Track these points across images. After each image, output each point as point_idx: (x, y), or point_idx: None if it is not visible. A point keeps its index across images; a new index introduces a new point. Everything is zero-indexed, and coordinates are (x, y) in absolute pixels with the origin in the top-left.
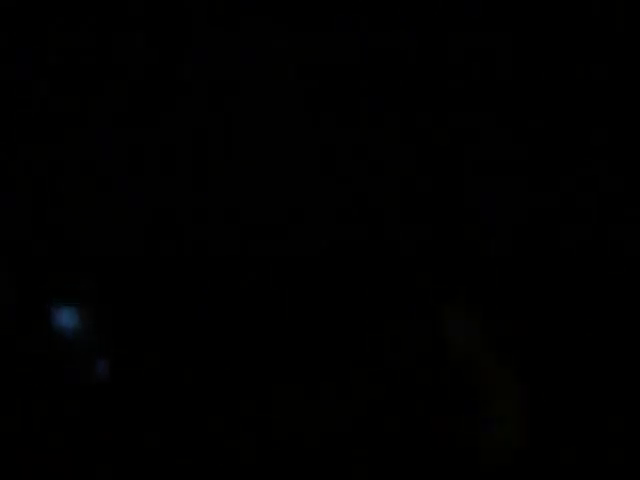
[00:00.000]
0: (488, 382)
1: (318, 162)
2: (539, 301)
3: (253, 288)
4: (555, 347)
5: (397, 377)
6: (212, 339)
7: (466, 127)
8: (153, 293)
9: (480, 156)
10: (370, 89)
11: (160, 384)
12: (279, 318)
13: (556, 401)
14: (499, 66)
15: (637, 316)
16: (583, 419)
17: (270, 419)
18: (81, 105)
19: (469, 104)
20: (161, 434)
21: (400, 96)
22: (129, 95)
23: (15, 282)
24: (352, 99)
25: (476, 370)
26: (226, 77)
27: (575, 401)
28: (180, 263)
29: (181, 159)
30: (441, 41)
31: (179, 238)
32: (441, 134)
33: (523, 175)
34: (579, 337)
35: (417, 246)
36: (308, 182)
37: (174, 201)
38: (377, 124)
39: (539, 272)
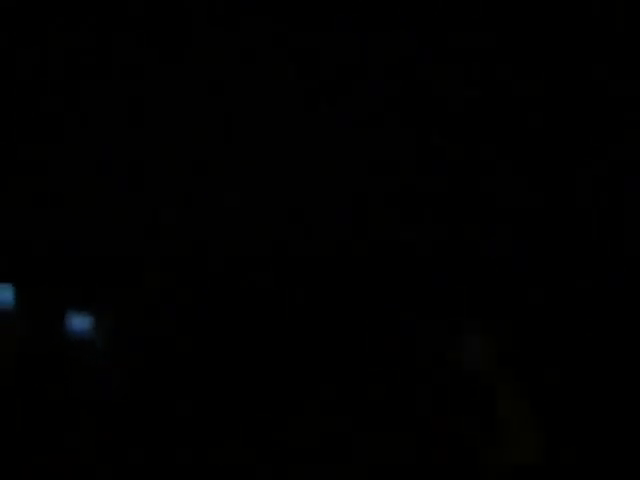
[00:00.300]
0: (503, 399)
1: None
2: (555, 320)
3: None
4: (569, 365)
5: (413, 391)
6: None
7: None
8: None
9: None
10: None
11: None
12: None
13: (570, 418)
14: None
15: None
16: (596, 436)
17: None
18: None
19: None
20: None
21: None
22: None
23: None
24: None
25: (492, 387)
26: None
27: (589, 418)
28: (206, 279)
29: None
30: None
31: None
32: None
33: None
34: (593, 356)
35: (435, 267)
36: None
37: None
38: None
39: (555, 292)
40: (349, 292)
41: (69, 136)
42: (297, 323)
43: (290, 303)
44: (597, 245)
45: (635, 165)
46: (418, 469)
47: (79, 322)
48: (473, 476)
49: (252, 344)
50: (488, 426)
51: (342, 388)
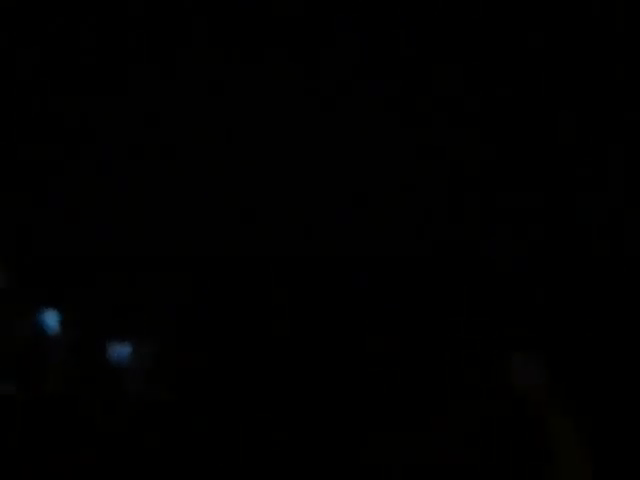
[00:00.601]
0: (554, 431)
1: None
2: (606, 354)
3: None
4: (617, 397)
5: (466, 425)
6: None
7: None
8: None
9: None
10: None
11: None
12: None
13: (619, 449)
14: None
15: None
16: None
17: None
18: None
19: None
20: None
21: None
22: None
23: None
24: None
25: (543, 419)
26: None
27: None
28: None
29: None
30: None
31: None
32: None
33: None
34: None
35: (485, 299)
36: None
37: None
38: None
39: (602, 323)
40: (397, 309)
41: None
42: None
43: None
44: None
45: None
46: None
47: (118, 349)
48: None
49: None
50: (536, 457)
51: (383, 409)
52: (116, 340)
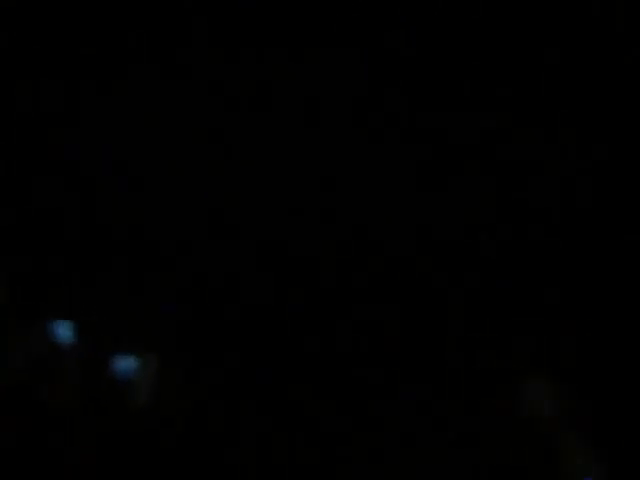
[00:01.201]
0: (568, 458)
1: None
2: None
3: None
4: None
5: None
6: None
7: None
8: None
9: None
10: None
11: None
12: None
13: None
14: None
15: None
16: None
17: None
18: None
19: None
20: None
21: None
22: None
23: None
24: None
25: (556, 446)
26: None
27: None
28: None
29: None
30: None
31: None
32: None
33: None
34: None
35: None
36: None
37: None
38: None
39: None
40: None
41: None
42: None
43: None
44: None
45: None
46: None
47: (125, 363)
48: None
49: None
50: (548, 475)
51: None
52: (122, 352)
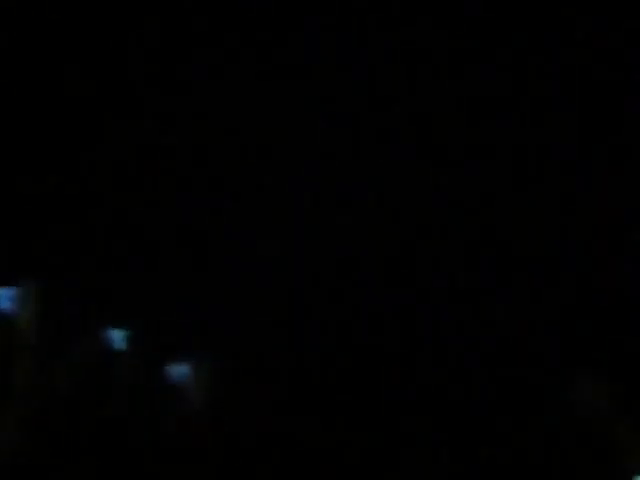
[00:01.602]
0: (622, 448)
1: None
2: None
3: None
4: None
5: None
6: None
7: None
8: None
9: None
10: None
11: None
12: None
13: None
14: None
15: None
16: None
17: None
18: None
19: None
20: None
21: None
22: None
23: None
24: None
25: (609, 444)
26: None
27: None
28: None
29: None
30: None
31: None
32: None
33: None
34: None
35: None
36: None
37: None
38: None
39: None
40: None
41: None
42: None
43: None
44: None
45: None
46: None
47: (177, 370)
48: None
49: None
50: (602, 471)
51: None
52: (176, 359)
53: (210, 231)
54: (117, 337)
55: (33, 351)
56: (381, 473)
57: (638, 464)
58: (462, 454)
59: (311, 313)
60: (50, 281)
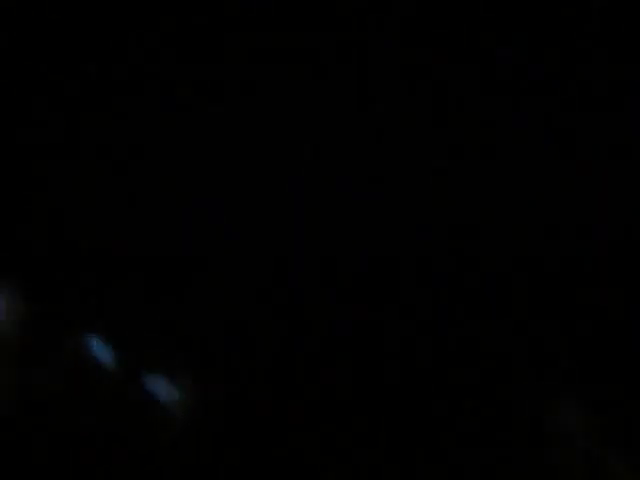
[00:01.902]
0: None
1: None
2: None
3: None
4: None
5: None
6: None
7: None
8: None
9: None
10: None
11: None
12: None
13: None
14: None
15: None
16: None
17: None
18: None
19: None
20: None
21: None
22: None
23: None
24: None
25: (590, 451)
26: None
27: None
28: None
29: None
30: None
31: None
32: None
33: None
34: None
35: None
36: None
37: None
38: None
39: None
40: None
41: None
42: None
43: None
44: None
45: None
46: None
47: (155, 383)
48: None
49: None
50: None
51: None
52: (153, 372)
53: (204, 241)
54: (99, 348)
55: (13, 357)
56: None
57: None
58: None
59: (301, 326)
60: (32, 287)
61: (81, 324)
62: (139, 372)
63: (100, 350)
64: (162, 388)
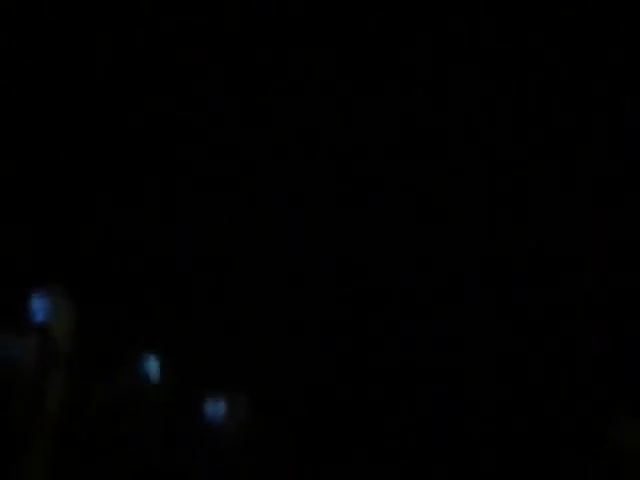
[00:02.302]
0: None
1: None
2: None
3: None
4: None
5: None
6: None
7: None
8: None
9: None
10: None
11: None
12: None
13: None
14: None
15: None
16: None
17: None
18: None
19: None
20: None
21: None
22: None
23: None
24: None
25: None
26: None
27: None
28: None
29: None
30: None
31: None
32: None
33: None
34: None
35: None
36: None
37: None
38: None
39: None
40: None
41: None
42: None
43: None
44: None
45: None
46: None
47: (214, 407)
48: None
49: None
50: None
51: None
52: (211, 395)
53: (251, 262)
54: (153, 367)
55: (67, 370)
56: None
57: None
58: None
59: (349, 344)
60: (86, 304)
61: (140, 342)
62: (197, 393)
63: (156, 369)
64: (218, 410)
